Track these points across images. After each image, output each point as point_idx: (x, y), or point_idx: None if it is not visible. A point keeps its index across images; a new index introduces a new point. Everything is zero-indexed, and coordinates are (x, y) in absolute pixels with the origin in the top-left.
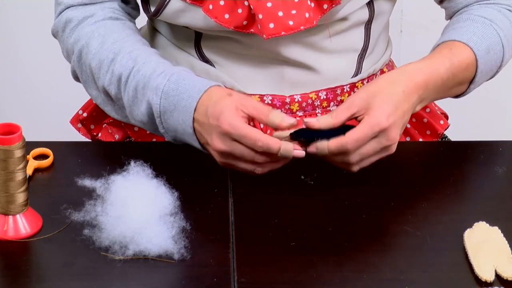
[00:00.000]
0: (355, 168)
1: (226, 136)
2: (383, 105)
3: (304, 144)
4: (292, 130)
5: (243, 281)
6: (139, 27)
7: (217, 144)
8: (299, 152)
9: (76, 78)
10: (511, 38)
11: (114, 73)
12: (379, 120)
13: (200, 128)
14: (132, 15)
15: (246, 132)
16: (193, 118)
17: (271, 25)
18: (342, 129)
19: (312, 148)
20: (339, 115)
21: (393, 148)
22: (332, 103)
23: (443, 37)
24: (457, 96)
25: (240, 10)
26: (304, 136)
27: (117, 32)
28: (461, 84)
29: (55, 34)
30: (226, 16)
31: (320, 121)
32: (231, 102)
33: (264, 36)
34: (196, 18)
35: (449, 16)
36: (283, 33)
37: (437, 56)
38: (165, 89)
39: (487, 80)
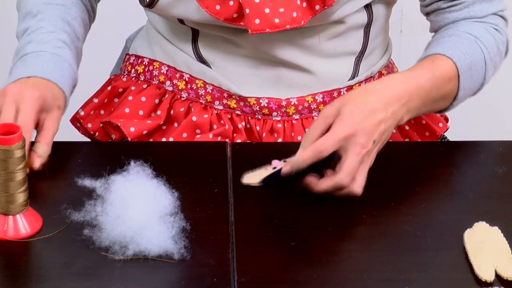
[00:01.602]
0: (358, 190)
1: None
2: (351, 115)
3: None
4: (265, 175)
5: (243, 281)
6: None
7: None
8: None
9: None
10: (495, 57)
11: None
12: (344, 128)
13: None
14: None
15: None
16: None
17: (257, 21)
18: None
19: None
20: (312, 132)
21: (372, 156)
22: None
23: (427, 51)
24: (440, 111)
25: (231, 3)
26: (276, 179)
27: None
28: (445, 98)
29: None
30: (217, 7)
31: (292, 163)
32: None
33: (249, 31)
34: (189, 9)
35: (434, 29)
36: (267, 30)
37: (419, 68)
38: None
39: (470, 97)
